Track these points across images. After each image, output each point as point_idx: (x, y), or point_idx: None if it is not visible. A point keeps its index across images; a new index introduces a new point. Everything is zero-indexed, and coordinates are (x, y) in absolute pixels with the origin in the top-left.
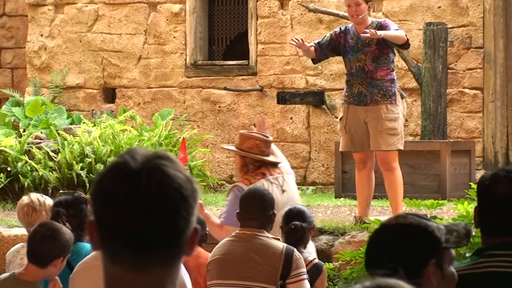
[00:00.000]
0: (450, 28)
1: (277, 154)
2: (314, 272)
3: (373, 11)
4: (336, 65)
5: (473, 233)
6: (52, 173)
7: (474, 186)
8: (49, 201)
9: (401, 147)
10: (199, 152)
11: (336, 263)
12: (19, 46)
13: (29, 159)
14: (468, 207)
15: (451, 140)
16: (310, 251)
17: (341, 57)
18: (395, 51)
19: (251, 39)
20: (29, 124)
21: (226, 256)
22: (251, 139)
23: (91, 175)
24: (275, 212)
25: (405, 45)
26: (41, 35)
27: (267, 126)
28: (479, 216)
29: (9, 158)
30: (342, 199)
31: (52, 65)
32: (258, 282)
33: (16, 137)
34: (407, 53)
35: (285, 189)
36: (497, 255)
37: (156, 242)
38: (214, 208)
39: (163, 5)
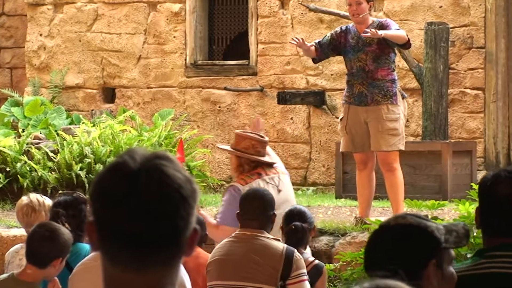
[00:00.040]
0: (451, 28)
1: (271, 155)
2: (315, 273)
3: (374, 11)
4: (336, 65)
5: (475, 234)
6: (51, 173)
7: (475, 186)
8: (48, 202)
9: (402, 148)
10: (199, 153)
11: (337, 264)
12: (18, 45)
13: (28, 159)
14: (470, 208)
15: (452, 141)
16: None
17: (342, 56)
18: (396, 51)
19: (252, 38)
20: (28, 124)
21: (226, 257)
22: (247, 139)
23: (90, 175)
24: (275, 212)
25: (406, 45)
26: (40, 35)
27: (262, 127)
28: (480, 217)
29: (8, 158)
30: (342, 199)
31: (51, 65)
32: (258, 283)
33: (15, 137)
34: (408, 53)
35: (281, 189)
36: (499, 256)
37: (155, 243)
38: (214, 209)
39: (163, 4)
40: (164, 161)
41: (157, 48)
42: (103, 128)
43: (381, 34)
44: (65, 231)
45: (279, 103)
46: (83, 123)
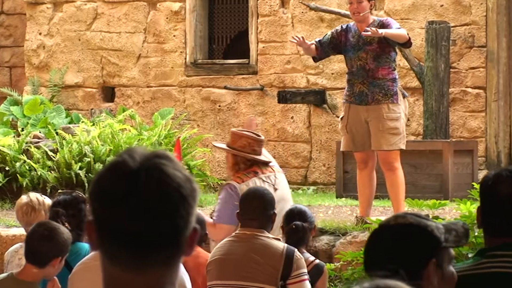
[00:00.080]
0: (452, 26)
1: (265, 155)
2: (315, 272)
3: (375, 10)
4: (337, 64)
5: (476, 234)
6: (51, 172)
7: (476, 186)
8: (48, 201)
9: (403, 147)
10: (199, 152)
11: (337, 264)
12: (18, 44)
13: (28, 158)
14: (471, 207)
15: (453, 140)
16: None
17: (342, 55)
18: (397, 50)
19: (252, 37)
20: (28, 123)
21: (226, 256)
22: (244, 138)
23: (90, 174)
24: (275, 212)
25: (407, 44)
26: (40, 34)
27: (255, 127)
28: (481, 216)
29: (7, 158)
30: (343, 199)
31: (51, 64)
32: (258, 283)
33: (14, 137)
34: (409, 52)
35: (277, 187)
36: (500, 256)
37: (155, 242)
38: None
39: (162, 3)
40: (164, 160)
41: (157, 47)
42: (103, 127)
43: (382, 33)
44: (65, 230)
45: (279, 102)
46: (82, 122)
